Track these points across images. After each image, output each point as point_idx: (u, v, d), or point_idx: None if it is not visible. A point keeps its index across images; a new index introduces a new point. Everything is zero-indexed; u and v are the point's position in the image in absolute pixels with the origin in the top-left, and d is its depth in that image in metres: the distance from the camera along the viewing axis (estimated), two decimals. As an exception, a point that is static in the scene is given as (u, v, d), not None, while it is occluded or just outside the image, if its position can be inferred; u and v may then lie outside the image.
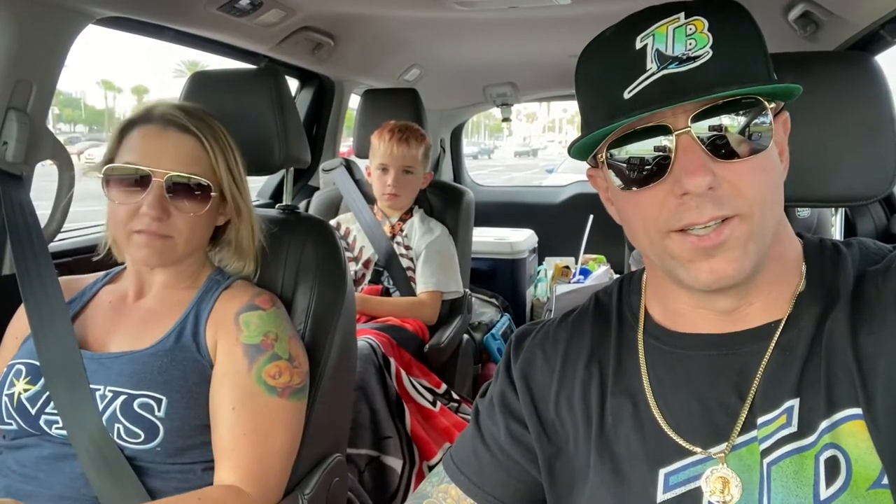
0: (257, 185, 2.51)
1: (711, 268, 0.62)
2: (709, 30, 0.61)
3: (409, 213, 2.14)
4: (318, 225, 1.36)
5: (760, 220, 0.62)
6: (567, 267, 3.30)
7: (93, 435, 0.95)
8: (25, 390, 1.00)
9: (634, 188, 0.64)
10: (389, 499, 1.56)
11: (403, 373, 1.71)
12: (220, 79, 1.39)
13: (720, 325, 0.68)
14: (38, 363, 1.02)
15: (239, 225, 1.14)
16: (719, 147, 0.61)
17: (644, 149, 0.63)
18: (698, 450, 0.65)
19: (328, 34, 2.02)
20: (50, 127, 1.34)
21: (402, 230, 2.10)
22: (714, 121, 0.61)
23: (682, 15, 0.62)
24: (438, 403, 1.73)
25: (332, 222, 2.16)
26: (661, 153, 0.61)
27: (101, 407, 0.97)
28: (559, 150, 38.16)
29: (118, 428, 0.96)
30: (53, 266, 1.14)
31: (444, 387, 1.83)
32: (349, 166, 2.35)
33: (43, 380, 1.00)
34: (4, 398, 1.01)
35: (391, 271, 2.04)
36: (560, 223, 3.66)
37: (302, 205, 2.36)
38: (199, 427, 1.01)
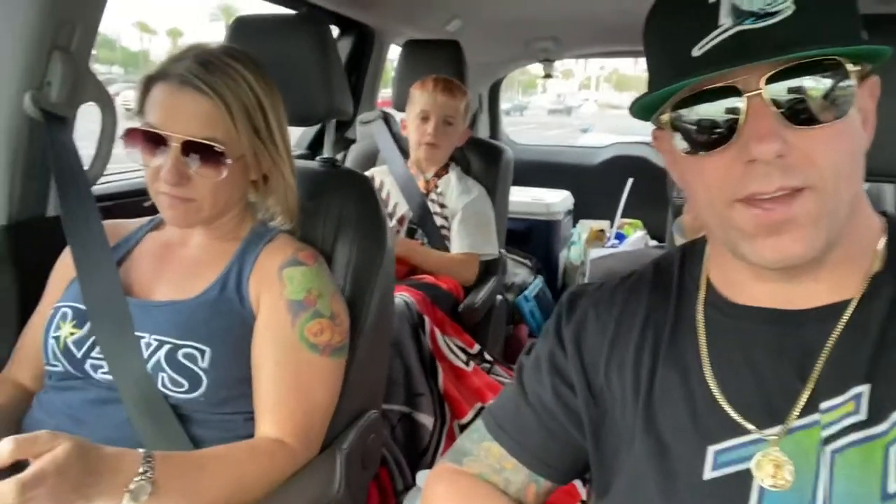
0: (295, 134, 2.48)
1: (776, 245, 0.58)
2: None
3: (445, 169, 2.10)
4: (359, 179, 1.34)
5: (834, 193, 0.57)
6: (602, 231, 3.24)
7: (138, 382, 0.96)
8: (71, 334, 1.01)
9: (700, 152, 0.60)
10: (420, 455, 1.57)
11: (437, 331, 1.70)
12: (262, 25, 1.35)
13: (783, 299, 0.65)
14: (83, 307, 1.02)
15: (277, 180, 1.10)
16: (794, 112, 0.56)
17: (712, 111, 0.59)
18: (752, 428, 0.62)
19: (372, -22, 1.95)
20: None
21: (436, 187, 2.06)
22: (790, 83, 0.56)
23: None
24: (471, 363, 1.72)
25: (367, 174, 2.14)
26: (730, 116, 0.58)
27: (146, 355, 0.97)
28: (594, 108, 37.28)
29: (162, 377, 0.97)
30: (97, 209, 1.14)
31: (476, 347, 1.82)
32: (387, 119, 2.31)
33: (89, 324, 1.01)
34: (51, 340, 1.02)
35: (425, 228, 2.01)
36: (597, 185, 3.58)
37: (339, 157, 2.33)
38: (241, 379, 1.01)
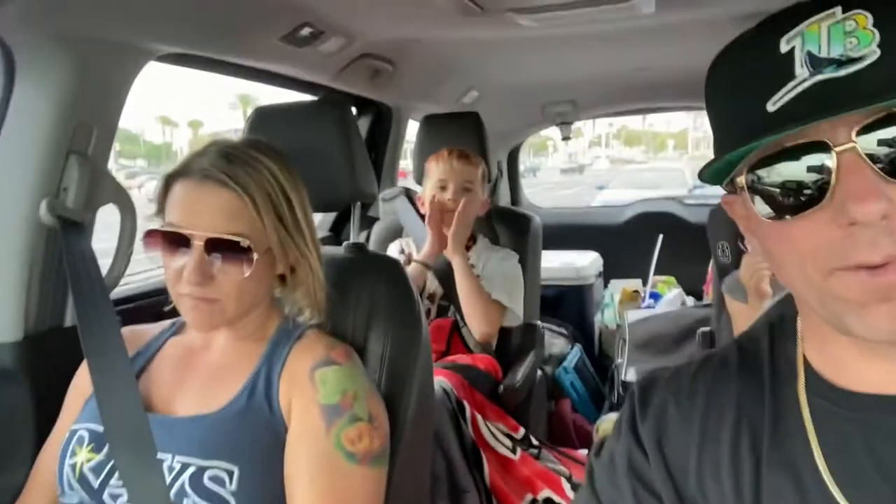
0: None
1: (893, 312, 0.49)
2: (874, 25, 0.50)
3: (472, 240, 2.03)
4: (389, 264, 1.27)
5: None
6: (636, 291, 3.13)
7: None
8: (88, 460, 0.93)
9: (787, 217, 0.53)
10: (470, 558, 1.43)
11: (479, 417, 1.58)
12: (284, 112, 1.32)
13: None
14: (101, 429, 0.94)
15: (304, 272, 1.03)
16: (894, 166, 0.49)
17: (796, 170, 0.52)
18: None
19: (388, 60, 1.94)
20: (111, 163, 1.29)
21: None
22: (886, 133, 0.49)
23: (838, 10, 0.51)
24: (518, 450, 1.60)
25: (395, 245, 2.07)
26: (818, 175, 0.50)
27: (168, 480, 0.88)
28: (607, 165, 37.67)
29: None
30: (116, 318, 1.07)
31: (521, 431, 1.70)
32: (409, 194, 2.26)
33: (107, 447, 0.92)
34: (66, 468, 0.93)
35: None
36: (625, 244, 3.50)
37: (362, 236, 2.28)
38: (274, 498, 0.91)
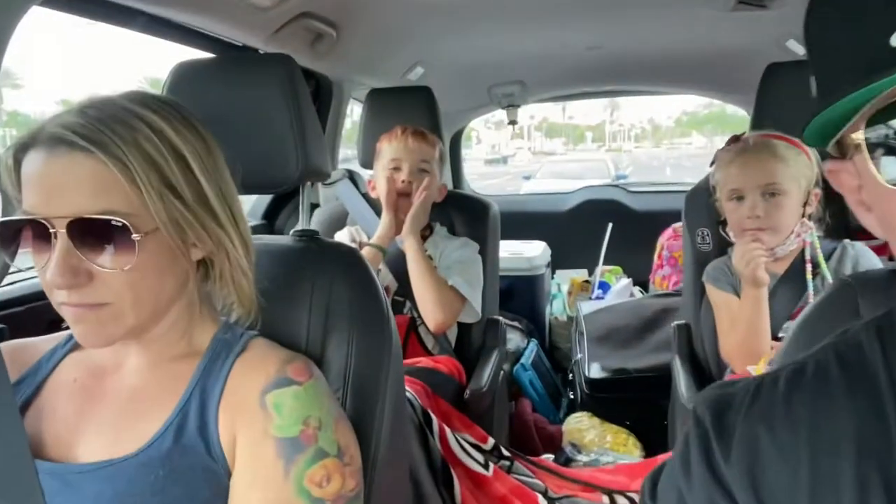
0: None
1: None
2: None
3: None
4: (348, 254, 1.04)
5: None
6: (586, 281, 3.01)
7: None
8: None
9: None
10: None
11: (448, 430, 1.39)
12: (213, 68, 1.07)
13: None
14: None
15: (221, 261, 0.79)
16: None
17: None
18: None
19: (330, 22, 1.70)
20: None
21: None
22: None
23: None
24: (490, 465, 1.41)
25: (343, 232, 1.84)
26: None
27: None
28: (529, 156, 38.28)
29: None
30: None
31: (491, 441, 1.52)
32: (353, 178, 2.03)
33: None
34: None
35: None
36: (569, 232, 3.39)
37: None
38: None
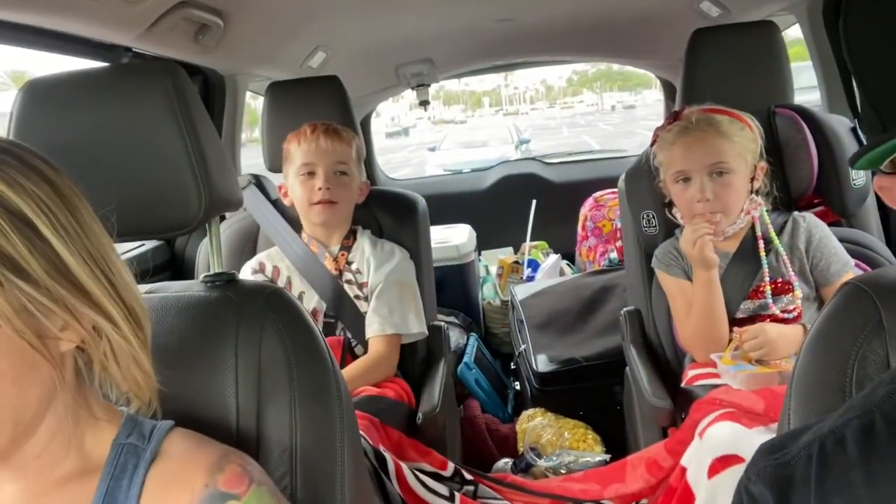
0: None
1: None
2: None
3: (352, 236, 1.64)
4: (273, 296, 0.86)
5: None
6: (516, 262, 2.93)
7: None
8: None
9: None
10: None
11: (404, 466, 1.24)
12: (76, 85, 0.85)
13: None
14: None
15: (104, 348, 0.60)
16: None
17: None
18: None
19: (215, 10, 1.46)
20: None
21: (349, 263, 1.60)
22: None
23: None
24: (456, 495, 1.29)
25: (253, 262, 1.63)
26: None
27: None
28: (429, 125, 38.15)
29: None
30: None
31: (451, 466, 1.39)
32: (261, 184, 1.81)
33: None
34: None
35: (345, 320, 1.55)
36: (489, 211, 3.30)
37: (201, 251, 1.77)
38: None
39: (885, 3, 0.46)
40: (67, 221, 0.56)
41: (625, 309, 1.65)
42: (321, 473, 0.76)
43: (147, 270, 1.75)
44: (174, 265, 1.97)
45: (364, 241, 1.63)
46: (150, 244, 1.88)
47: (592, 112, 40.37)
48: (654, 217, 1.52)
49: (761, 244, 1.36)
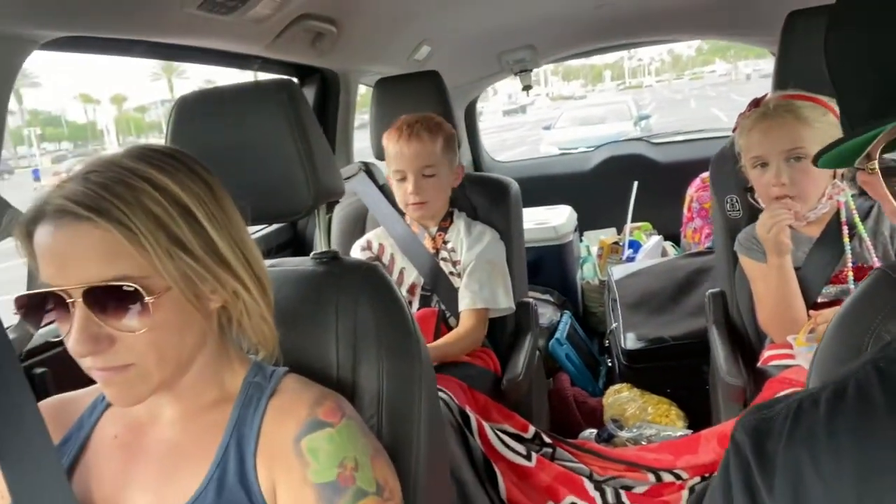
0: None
1: None
2: None
3: (450, 219, 1.80)
4: (368, 272, 1.03)
5: None
6: (616, 243, 2.97)
7: None
8: None
9: None
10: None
11: (486, 426, 1.40)
12: (214, 101, 1.06)
13: None
14: None
15: (240, 308, 0.79)
16: None
17: None
18: None
19: (329, 20, 1.66)
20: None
21: (445, 242, 1.77)
22: None
23: None
24: (533, 455, 1.42)
25: (362, 241, 1.83)
26: None
27: None
28: (547, 102, 37.54)
29: None
30: (28, 388, 0.82)
31: (532, 429, 1.52)
32: (370, 171, 2.01)
33: None
34: None
35: (440, 294, 1.71)
36: (594, 192, 3.33)
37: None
38: None
39: None
40: (218, 212, 0.76)
41: (709, 291, 1.69)
42: (401, 416, 0.93)
43: (272, 249, 2.01)
44: (295, 243, 2.24)
45: (460, 223, 1.79)
46: (276, 225, 2.14)
47: (725, 83, 37.58)
48: (737, 201, 1.55)
49: (845, 230, 1.36)
